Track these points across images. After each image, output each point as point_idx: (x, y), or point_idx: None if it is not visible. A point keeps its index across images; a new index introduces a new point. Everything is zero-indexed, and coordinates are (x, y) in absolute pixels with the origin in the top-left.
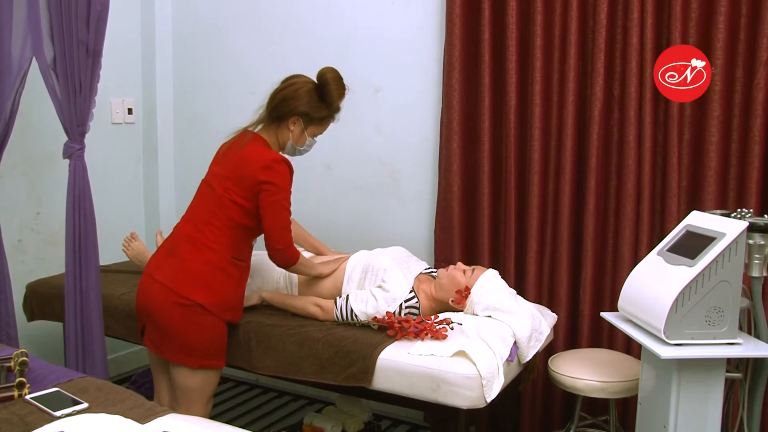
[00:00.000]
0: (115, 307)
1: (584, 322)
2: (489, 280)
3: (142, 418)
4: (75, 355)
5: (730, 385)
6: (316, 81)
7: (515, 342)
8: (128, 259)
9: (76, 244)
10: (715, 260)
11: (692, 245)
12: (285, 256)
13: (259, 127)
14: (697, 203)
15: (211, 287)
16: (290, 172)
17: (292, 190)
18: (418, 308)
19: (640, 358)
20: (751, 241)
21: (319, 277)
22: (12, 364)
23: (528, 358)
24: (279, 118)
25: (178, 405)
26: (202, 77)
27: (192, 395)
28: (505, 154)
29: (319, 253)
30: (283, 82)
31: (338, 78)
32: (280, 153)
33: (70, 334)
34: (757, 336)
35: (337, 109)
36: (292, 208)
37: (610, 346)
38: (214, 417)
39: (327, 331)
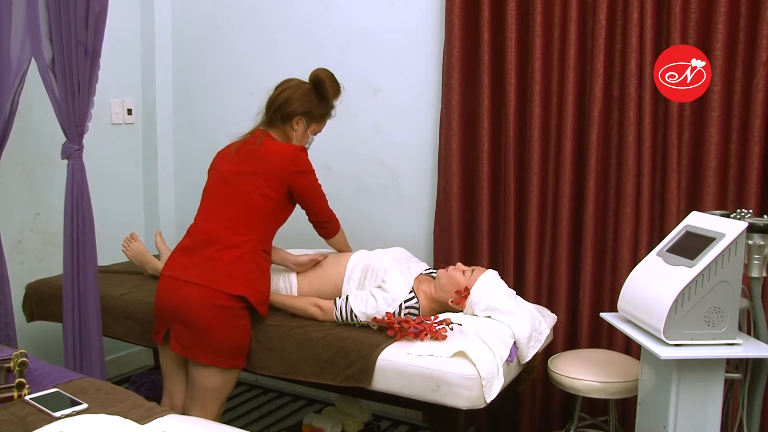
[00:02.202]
0: (114, 308)
1: (584, 323)
2: (488, 280)
3: (142, 419)
4: (72, 355)
5: (729, 386)
6: (310, 81)
7: (515, 342)
8: (128, 260)
9: (74, 245)
10: (714, 261)
11: (692, 246)
12: (331, 226)
13: (263, 127)
14: (696, 204)
15: (249, 281)
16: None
17: None
18: (417, 309)
19: (639, 359)
20: (750, 242)
21: (348, 251)
22: (11, 364)
23: (527, 359)
24: (283, 119)
25: (193, 405)
26: (201, 78)
27: (213, 395)
28: (505, 154)
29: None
30: (279, 86)
31: (332, 76)
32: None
33: (67, 335)
34: (757, 336)
35: (333, 106)
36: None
37: (610, 347)
38: None
39: (326, 332)
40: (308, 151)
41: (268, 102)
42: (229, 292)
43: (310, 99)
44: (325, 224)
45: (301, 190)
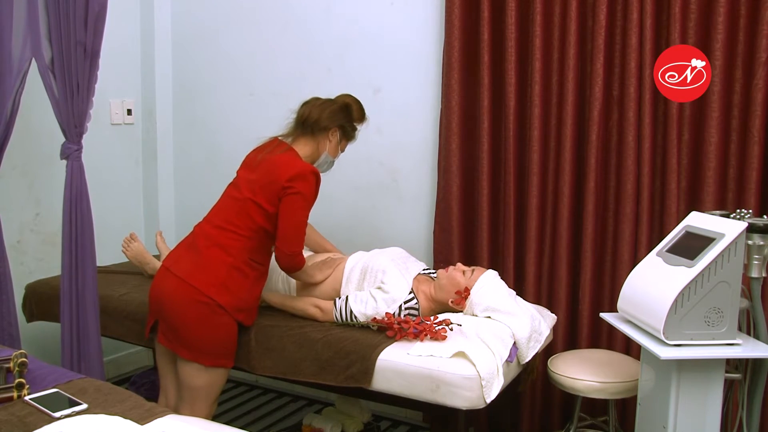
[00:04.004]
0: (114, 308)
1: (583, 323)
2: (488, 280)
3: (142, 419)
4: (70, 356)
5: (729, 386)
6: (336, 103)
7: (514, 343)
8: (128, 260)
9: (73, 245)
10: (714, 261)
11: (691, 246)
12: (293, 261)
13: (290, 139)
14: (696, 204)
15: (226, 286)
16: (317, 185)
17: None
18: (417, 309)
19: (639, 359)
20: (750, 242)
21: (314, 283)
22: (11, 365)
23: (527, 359)
24: (323, 129)
25: (182, 404)
26: (201, 78)
27: (198, 394)
28: (504, 154)
29: (324, 250)
30: (306, 104)
31: (359, 102)
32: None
33: (65, 336)
34: (756, 337)
35: (357, 129)
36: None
37: (610, 347)
38: (213, 417)
39: (326, 332)
40: (330, 169)
41: (298, 118)
42: (203, 291)
43: (340, 117)
44: (285, 256)
45: (282, 206)
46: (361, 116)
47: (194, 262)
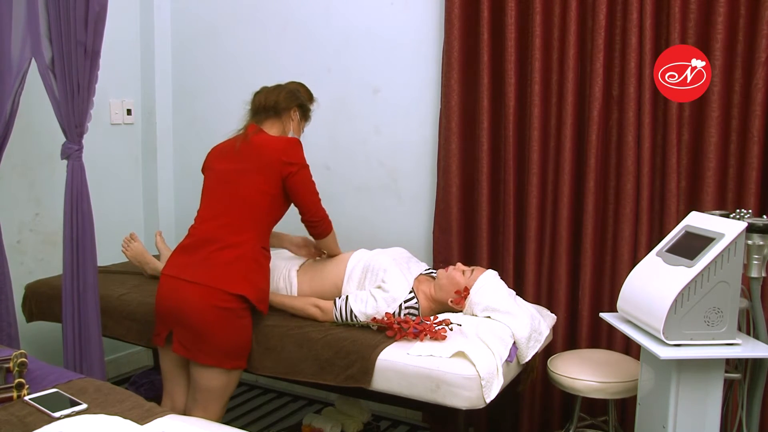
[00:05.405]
0: (114, 308)
1: (583, 323)
2: (488, 280)
3: (141, 419)
4: (73, 356)
5: (729, 386)
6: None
7: (514, 343)
8: (127, 260)
9: (74, 245)
10: (714, 261)
11: (691, 246)
12: (323, 226)
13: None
14: (696, 204)
15: (249, 279)
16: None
17: None
18: (417, 309)
19: (639, 359)
20: (750, 242)
21: (336, 255)
22: (11, 365)
23: (527, 359)
24: (284, 109)
25: (196, 406)
26: (201, 78)
27: (215, 396)
28: (504, 154)
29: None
30: (258, 93)
31: (305, 85)
32: None
33: (68, 335)
34: (756, 336)
35: (311, 109)
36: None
37: (609, 347)
38: None
39: (326, 332)
40: (307, 150)
41: (256, 107)
42: (228, 290)
43: (295, 98)
44: (317, 224)
45: (292, 184)
46: (311, 97)
47: (209, 265)
